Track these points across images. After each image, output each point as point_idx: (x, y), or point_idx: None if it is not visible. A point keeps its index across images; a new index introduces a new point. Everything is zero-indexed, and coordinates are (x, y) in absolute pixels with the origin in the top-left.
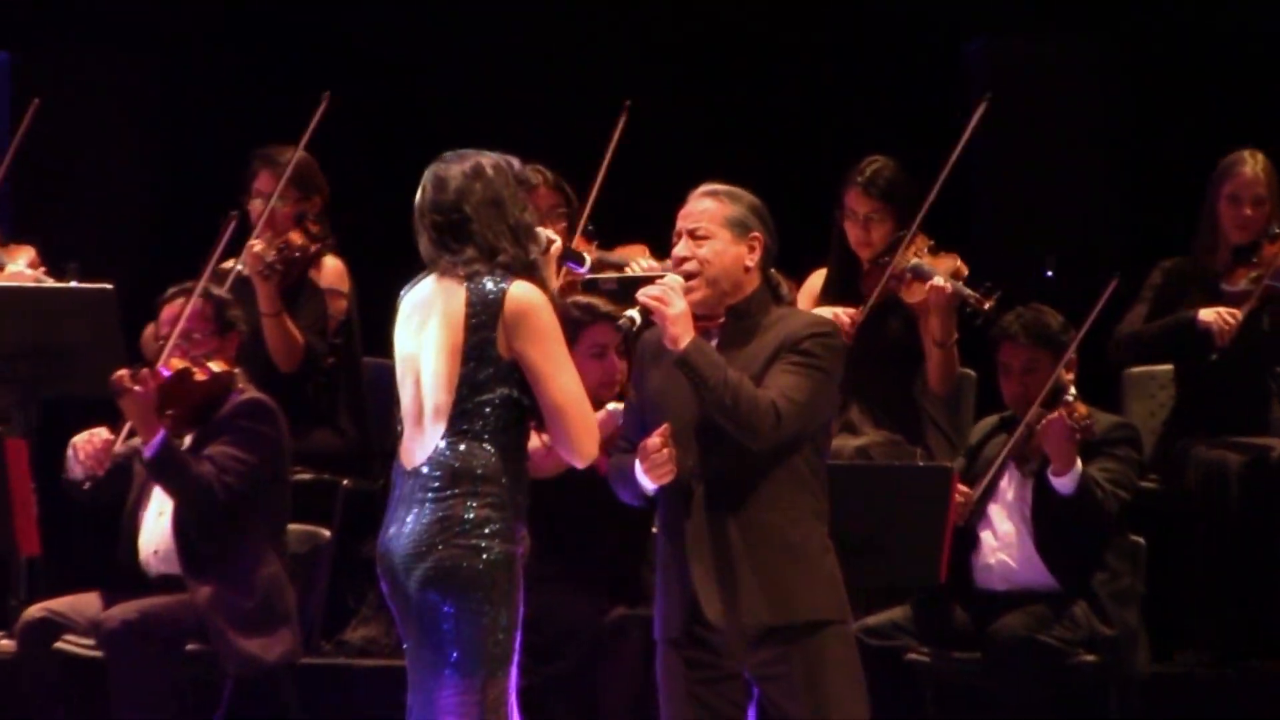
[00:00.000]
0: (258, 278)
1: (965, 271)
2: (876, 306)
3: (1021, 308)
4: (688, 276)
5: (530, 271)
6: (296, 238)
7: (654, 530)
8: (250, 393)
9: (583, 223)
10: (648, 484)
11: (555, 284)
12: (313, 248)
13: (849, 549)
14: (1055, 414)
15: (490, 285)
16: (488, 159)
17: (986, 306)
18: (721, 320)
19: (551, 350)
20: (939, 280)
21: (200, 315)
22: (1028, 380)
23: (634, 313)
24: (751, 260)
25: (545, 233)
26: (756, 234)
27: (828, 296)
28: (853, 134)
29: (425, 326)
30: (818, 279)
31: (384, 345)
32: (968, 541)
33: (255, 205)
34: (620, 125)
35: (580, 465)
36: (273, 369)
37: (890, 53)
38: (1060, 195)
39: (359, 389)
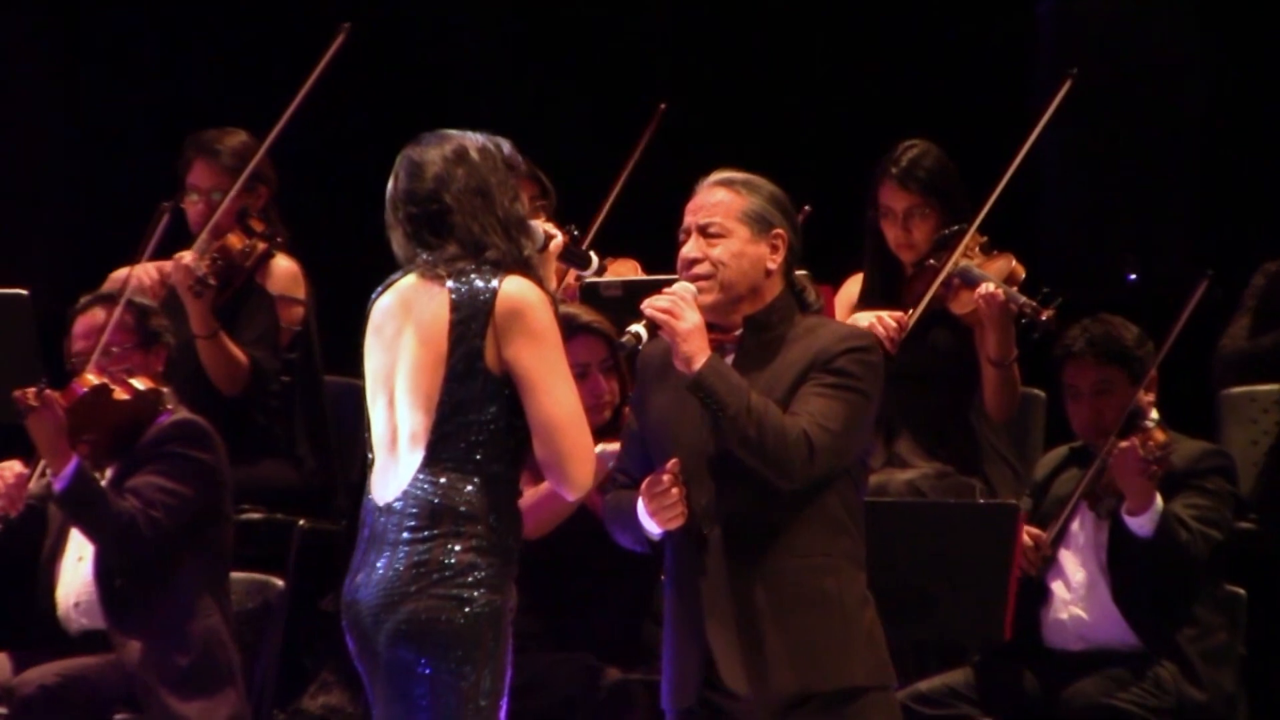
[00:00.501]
0: (188, 295)
1: (1021, 274)
2: (922, 317)
3: (1089, 320)
4: (697, 281)
5: (524, 269)
6: (235, 242)
7: (661, 580)
8: (180, 413)
9: (593, 226)
10: (653, 527)
11: (554, 286)
12: (258, 248)
13: (897, 602)
14: (1127, 442)
15: (479, 283)
16: (472, 140)
17: (1044, 317)
18: (738, 333)
19: (548, 356)
20: (989, 286)
21: (120, 326)
22: (1100, 404)
23: (638, 328)
24: (774, 262)
25: (543, 227)
26: (779, 230)
27: (866, 306)
28: (897, 112)
29: (400, 336)
30: (855, 285)
31: (349, 361)
32: (1036, 593)
33: (191, 202)
34: (651, 130)
35: (571, 496)
36: (215, 390)
37: (947, 15)
38: (1145, 183)
39: (319, 412)
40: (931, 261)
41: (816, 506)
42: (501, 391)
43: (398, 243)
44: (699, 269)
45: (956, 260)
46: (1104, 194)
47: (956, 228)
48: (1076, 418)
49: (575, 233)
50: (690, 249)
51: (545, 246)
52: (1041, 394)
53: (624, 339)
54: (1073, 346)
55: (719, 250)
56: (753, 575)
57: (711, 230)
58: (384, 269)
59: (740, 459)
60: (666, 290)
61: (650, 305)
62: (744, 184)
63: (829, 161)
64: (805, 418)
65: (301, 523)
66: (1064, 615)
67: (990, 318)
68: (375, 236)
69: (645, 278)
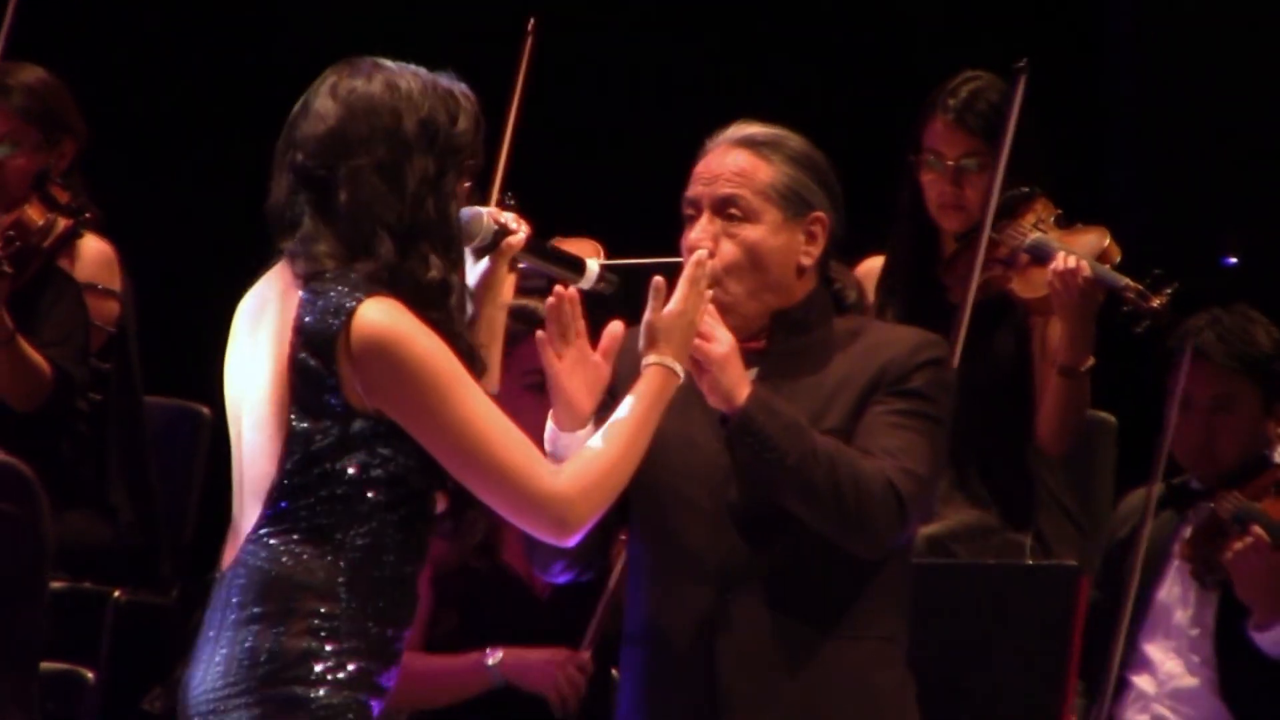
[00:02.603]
0: None
1: (1116, 256)
2: (975, 311)
3: (1220, 308)
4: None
5: (409, 291)
6: (34, 216)
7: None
8: None
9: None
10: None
11: (508, 295)
12: (60, 225)
13: (922, 695)
14: (1243, 540)
15: (334, 299)
16: (418, 95)
17: (1154, 304)
18: (761, 343)
19: (441, 400)
20: (1070, 260)
21: None
22: (1216, 425)
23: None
24: (809, 255)
25: (490, 213)
26: (819, 214)
27: (892, 291)
28: (929, 48)
29: (255, 348)
30: (875, 264)
31: (174, 377)
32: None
33: None
34: (527, 48)
35: (566, 539)
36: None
37: None
38: (1246, 139)
39: (139, 444)
40: (991, 234)
41: (876, 572)
42: (374, 431)
43: (277, 194)
44: (710, 263)
45: (1021, 229)
46: (1192, 149)
47: (1026, 189)
48: (1181, 438)
49: (512, 200)
50: (699, 234)
51: (494, 244)
52: (1111, 418)
53: None
54: (1195, 339)
55: (736, 244)
56: (790, 661)
57: (731, 210)
58: (222, 258)
59: (799, 519)
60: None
61: None
62: (774, 146)
63: (850, 94)
64: (886, 461)
65: (117, 594)
66: (1144, 717)
67: (1068, 304)
68: (212, 215)
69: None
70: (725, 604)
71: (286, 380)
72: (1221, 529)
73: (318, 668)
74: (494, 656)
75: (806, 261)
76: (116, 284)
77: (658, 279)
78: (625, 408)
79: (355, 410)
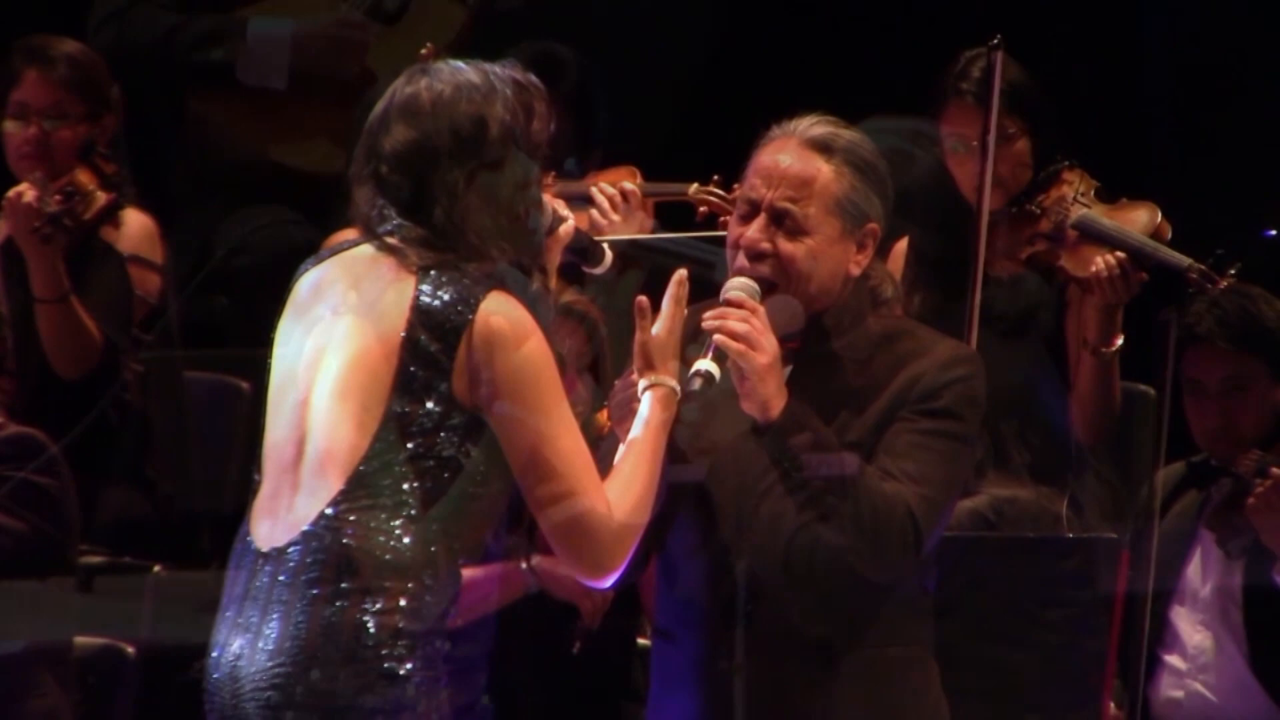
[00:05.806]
0: (33, 241)
1: (1167, 233)
2: (1011, 285)
3: (1221, 292)
4: (762, 285)
5: (513, 289)
6: (86, 179)
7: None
8: (10, 426)
9: None
10: None
11: (554, 282)
12: (104, 197)
13: (958, 670)
14: (1268, 481)
15: (456, 292)
16: (498, 103)
17: (1221, 285)
18: (796, 343)
19: (542, 402)
20: (1110, 259)
21: None
22: (1230, 406)
23: (707, 365)
24: (858, 264)
25: (551, 204)
26: (873, 225)
27: (917, 275)
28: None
29: (337, 319)
30: (897, 246)
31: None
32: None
33: (9, 131)
34: None
35: (604, 584)
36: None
37: None
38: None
39: (178, 417)
40: (1031, 208)
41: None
42: (467, 426)
43: (361, 205)
44: (764, 268)
45: (1069, 203)
46: (1232, 120)
47: (1065, 163)
48: (1198, 422)
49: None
50: (756, 235)
51: (553, 230)
52: (1150, 391)
53: (692, 383)
54: (1196, 327)
55: (794, 249)
56: (810, 670)
57: (793, 219)
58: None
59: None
60: (730, 296)
61: (720, 328)
62: (846, 152)
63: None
64: (908, 486)
65: (157, 569)
66: (1178, 693)
67: (1114, 294)
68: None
69: (640, 236)
70: (742, 609)
71: (396, 357)
72: (1245, 489)
73: (406, 646)
74: (529, 560)
75: (855, 271)
76: (159, 257)
77: (641, 299)
78: (635, 437)
79: (458, 401)
